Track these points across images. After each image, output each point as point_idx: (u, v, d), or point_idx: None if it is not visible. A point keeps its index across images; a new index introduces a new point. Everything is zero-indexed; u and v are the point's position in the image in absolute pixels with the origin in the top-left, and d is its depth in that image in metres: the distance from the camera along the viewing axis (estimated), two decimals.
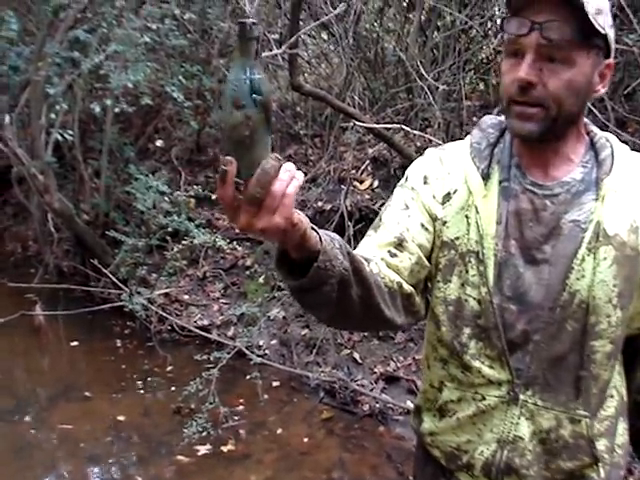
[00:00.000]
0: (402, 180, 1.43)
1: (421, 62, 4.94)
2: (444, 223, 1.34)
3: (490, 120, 1.42)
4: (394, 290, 1.24)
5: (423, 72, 4.57)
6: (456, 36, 5.16)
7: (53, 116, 5.22)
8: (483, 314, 1.31)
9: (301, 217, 0.96)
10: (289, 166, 0.90)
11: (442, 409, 1.41)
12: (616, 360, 1.35)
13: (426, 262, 1.34)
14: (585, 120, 1.36)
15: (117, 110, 5.18)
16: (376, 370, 4.25)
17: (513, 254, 1.30)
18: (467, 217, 1.32)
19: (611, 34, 1.23)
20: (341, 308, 1.12)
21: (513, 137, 1.34)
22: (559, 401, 1.31)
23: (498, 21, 5.45)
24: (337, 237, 1.06)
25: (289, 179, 0.89)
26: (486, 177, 1.32)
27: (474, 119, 5.07)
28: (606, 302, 1.26)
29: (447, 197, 1.35)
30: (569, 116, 1.26)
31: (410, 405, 3.79)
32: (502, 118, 1.38)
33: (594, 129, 1.37)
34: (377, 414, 4.00)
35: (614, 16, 1.29)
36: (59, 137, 5.12)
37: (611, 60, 1.26)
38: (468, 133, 1.44)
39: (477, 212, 1.31)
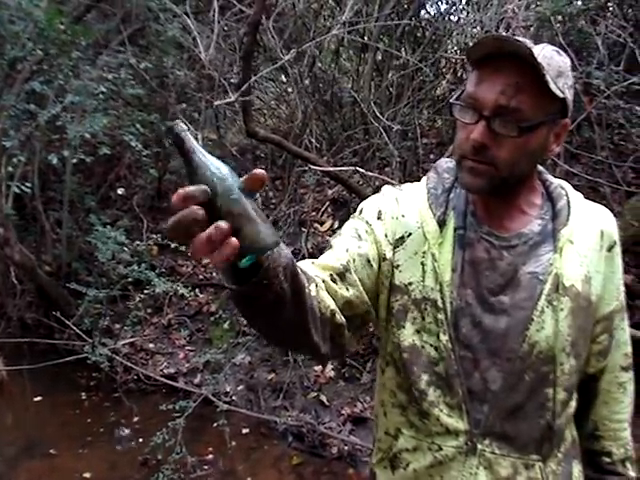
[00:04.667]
0: (356, 212, 1.41)
1: (376, 102, 4.99)
2: (396, 267, 1.33)
3: (446, 164, 1.42)
4: (326, 318, 1.19)
5: (377, 113, 4.62)
6: (410, 75, 5.24)
7: (11, 169, 5.20)
8: (442, 361, 1.29)
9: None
10: None
11: (395, 458, 1.39)
12: (569, 406, 1.35)
13: (365, 298, 1.31)
14: (540, 168, 1.37)
15: (75, 160, 5.17)
16: (343, 412, 4.23)
17: (470, 303, 1.29)
18: (423, 264, 1.31)
19: (569, 95, 1.24)
20: (276, 321, 1.07)
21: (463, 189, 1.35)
22: (515, 447, 1.30)
23: (452, 59, 5.56)
24: (289, 255, 1.03)
25: None
26: (442, 224, 1.32)
27: (431, 156, 5.14)
28: (561, 351, 1.27)
29: (400, 240, 1.34)
30: (520, 176, 1.27)
31: None
32: None
33: (549, 177, 1.38)
34: (346, 456, 3.99)
35: None
36: (17, 190, 5.09)
37: (567, 120, 1.26)
38: (426, 171, 1.43)
39: (434, 260, 1.30)
